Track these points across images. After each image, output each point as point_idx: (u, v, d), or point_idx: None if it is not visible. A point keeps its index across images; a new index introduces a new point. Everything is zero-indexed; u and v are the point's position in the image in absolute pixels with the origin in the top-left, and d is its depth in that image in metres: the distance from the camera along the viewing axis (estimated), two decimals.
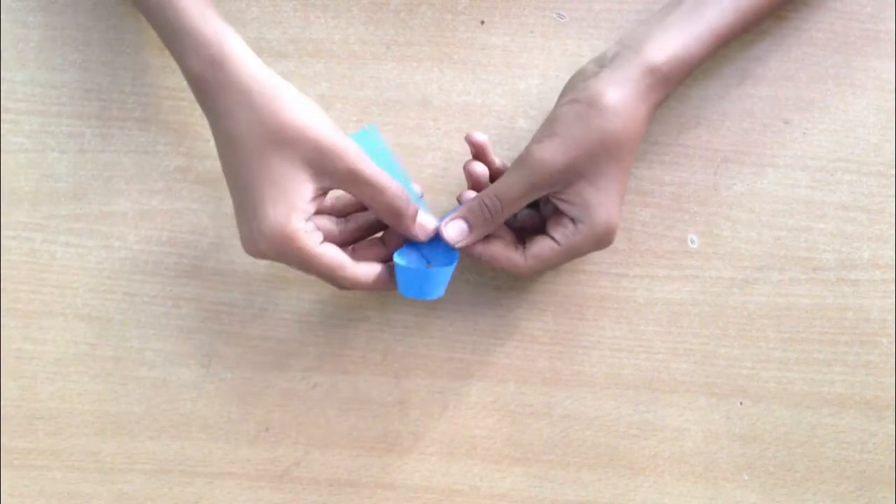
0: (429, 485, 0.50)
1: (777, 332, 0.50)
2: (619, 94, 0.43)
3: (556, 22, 0.51)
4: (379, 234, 0.47)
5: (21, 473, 0.50)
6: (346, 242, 0.46)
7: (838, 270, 0.50)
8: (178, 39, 0.43)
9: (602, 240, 0.44)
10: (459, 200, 0.47)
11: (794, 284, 0.50)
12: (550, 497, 0.50)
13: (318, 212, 0.45)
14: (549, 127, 0.44)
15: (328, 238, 0.45)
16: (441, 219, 0.46)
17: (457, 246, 0.45)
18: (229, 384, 0.50)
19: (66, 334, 0.50)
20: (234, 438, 0.50)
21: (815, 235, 0.50)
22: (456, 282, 0.50)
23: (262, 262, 0.50)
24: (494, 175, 0.47)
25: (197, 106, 0.45)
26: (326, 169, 0.42)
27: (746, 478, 0.50)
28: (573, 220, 0.44)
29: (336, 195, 0.47)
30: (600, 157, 0.43)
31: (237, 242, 0.50)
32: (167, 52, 0.46)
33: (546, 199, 0.47)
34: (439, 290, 0.45)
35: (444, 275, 0.45)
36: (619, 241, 0.50)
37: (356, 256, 0.45)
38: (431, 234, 0.45)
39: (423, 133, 0.51)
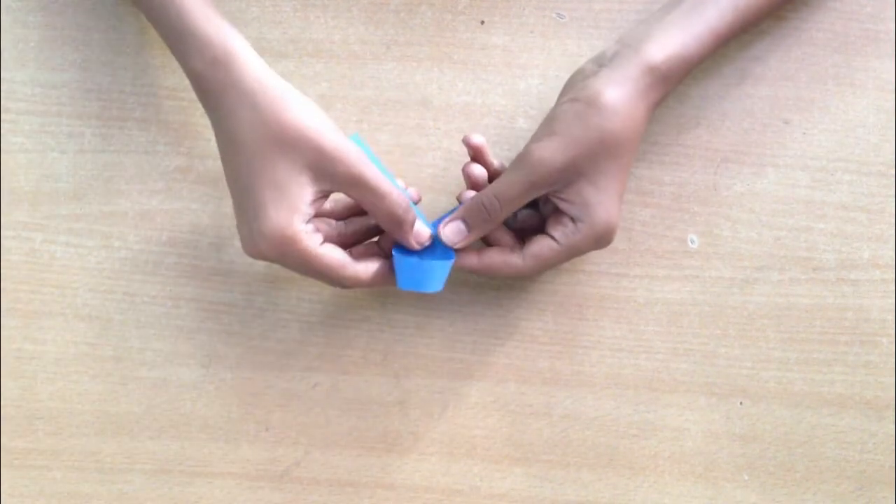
0: (429, 485, 0.50)
1: (777, 332, 0.50)
2: (618, 93, 0.43)
3: (556, 22, 0.51)
4: (375, 238, 0.47)
5: (21, 473, 0.50)
6: (344, 246, 0.46)
7: (838, 270, 0.50)
8: (181, 40, 0.43)
9: (602, 239, 0.44)
10: (459, 200, 0.47)
11: (794, 284, 0.50)
12: (550, 497, 0.50)
13: (317, 215, 0.45)
14: (548, 126, 0.44)
15: (327, 239, 0.45)
16: (438, 221, 0.46)
17: (455, 247, 0.45)
18: (229, 384, 0.50)
19: (66, 334, 0.50)
20: (234, 438, 0.50)
21: (815, 235, 0.50)
22: (456, 282, 0.50)
23: (262, 262, 0.50)
24: (493, 176, 0.47)
25: (197, 106, 0.45)
26: (327, 172, 0.42)
27: (746, 478, 0.50)
28: (573, 220, 0.44)
29: (335, 198, 0.47)
30: (600, 155, 0.43)
31: (237, 242, 0.50)
32: (167, 52, 0.46)
33: (545, 199, 0.46)
34: (438, 284, 0.45)
35: (442, 268, 0.45)
36: (619, 241, 0.50)
37: (353, 258, 0.45)
38: (426, 244, 0.45)
39: (423, 133, 0.51)
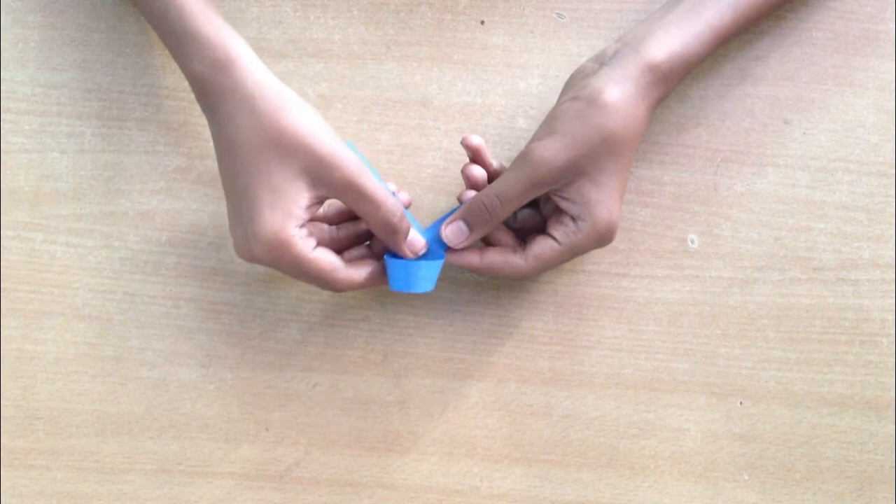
0: (429, 485, 0.50)
1: (777, 332, 0.50)
2: (619, 91, 0.43)
3: (556, 22, 0.51)
4: (367, 243, 0.48)
5: (21, 473, 0.50)
6: (337, 249, 0.46)
7: (838, 270, 0.50)
8: (181, 42, 0.43)
9: (603, 237, 0.45)
10: (460, 200, 0.47)
11: (794, 284, 0.50)
12: (550, 497, 0.50)
13: (312, 219, 0.45)
14: (549, 125, 0.44)
15: (321, 244, 0.45)
16: (436, 224, 0.46)
17: (457, 247, 0.45)
18: (229, 384, 0.50)
19: (66, 334, 0.50)
20: (234, 438, 0.50)
21: (815, 235, 0.50)
22: (456, 282, 0.50)
23: None
24: (492, 177, 0.47)
25: (197, 106, 0.45)
26: (323, 178, 0.42)
27: (746, 478, 0.50)
28: (574, 219, 0.44)
29: (328, 202, 0.47)
30: (601, 154, 0.43)
31: None
32: (167, 52, 0.46)
33: (546, 198, 0.47)
34: (428, 284, 0.45)
35: (432, 268, 0.45)
36: (619, 241, 0.50)
37: (345, 262, 0.45)
38: (421, 252, 0.46)
39: (423, 133, 0.51)
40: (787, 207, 0.50)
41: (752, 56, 0.51)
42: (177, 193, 0.51)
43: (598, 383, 0.50)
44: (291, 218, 0.42)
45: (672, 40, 0.44)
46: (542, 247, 0.45)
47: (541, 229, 0.46)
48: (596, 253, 0.50)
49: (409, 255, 0.45)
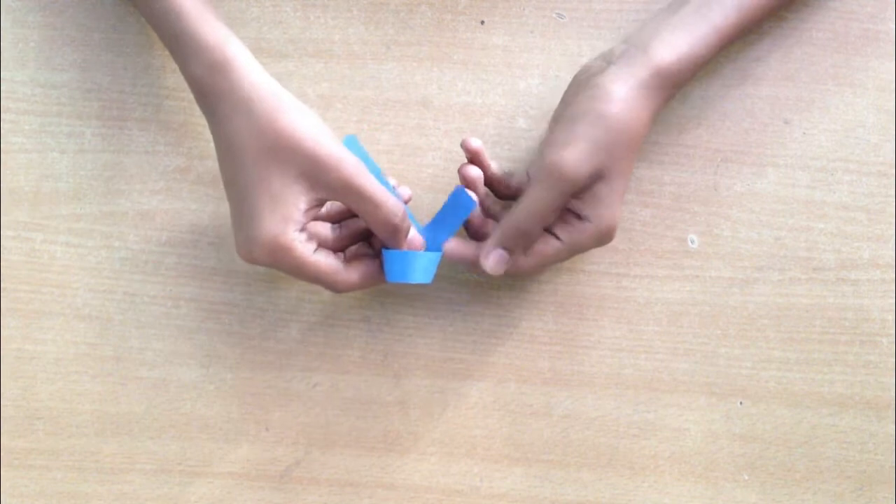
0: (429, 485, 0.50)
1: (777, 332, 0.50)
2: (626, 91, 0.43)
3: (556, 22, 0.51)
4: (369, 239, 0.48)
5: (21, 473, 0.50)
6: (339, 248, 0.46)
7: (838, 270, 0.50)
8: (179, 44, 0.43)
9: (605, 237, 0.45)
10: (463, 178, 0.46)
11: (794, 284, 0.50)
12: (550, 497, 0.50)
13: (314, 218, 0.45)
14: (567, 130, 0.43)
15: (322, 244, 0.45)
16: (431, 223, 0.46)
17: (500, 274, 0.45)
18: (229, 384, 0.50)
19: (66, 334, 0.50)
20: (234, 438, 0.50)
21: (815, 235, 0.50)
22: (456, 282, 0.50)
23: None
24: (489, 179, 0.47)
25: (197, 105, 0.45)
26: (322, 181, 0.42)
27: (746, 478, 0.50)
28: (579, 217, 0.44)
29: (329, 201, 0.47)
30: (616, 156, 0.43)
31: None
32: (168, 52, 0.46)
33: None
34: (426, 276, 0.45)
35: (430, 259, 0.45)
36: (619, 241, 0.50)
37: (346, 260, 0.46)
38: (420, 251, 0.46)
39: (423, 133, 0.51)
40: (787, 207, 0.50)
41: (752, 56, 0.51)
42: (177, 193, 0.51)
43: (598, 383, 0.50)
44: (290, 222, 0.42)
45: (679, 43, 0.44)
46: (544, 245, 0.45)
47: None
48: (596, 253, 0.50)
49: None
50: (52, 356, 0.50)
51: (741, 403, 0.50)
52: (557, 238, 0.45)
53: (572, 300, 0.50)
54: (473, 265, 0.46)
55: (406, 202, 0.47)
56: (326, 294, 0.50)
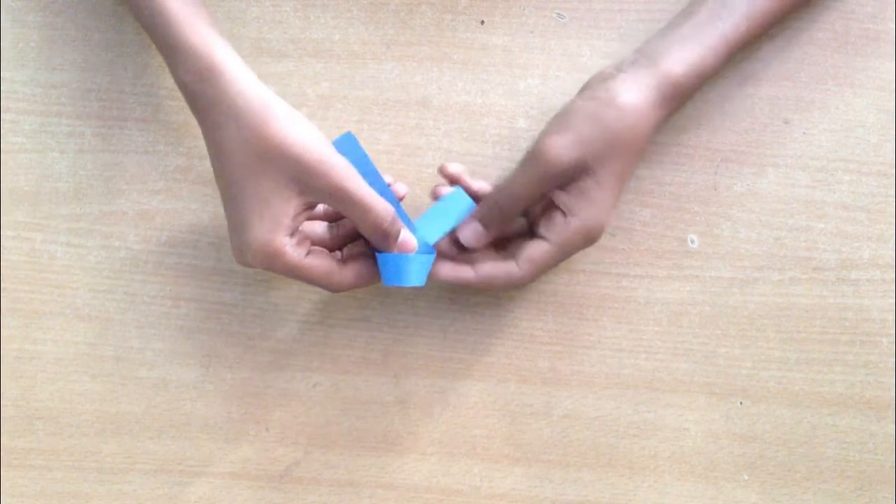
0: (429, 485, 0.50)
1: (777, 332, 0.50)
2: (634, 97, 0.44)
3: (557, 22, 0.51)
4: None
5: (21, 473, 0.50)
6: (336, 247, 0.46)
7: (838, 270, 0.50)
8: (169, 51, 0.43)
9: (591, 235, 0.45)
10: (434, 196, 0.47)
11: (794, 284, 0.50)
12: (550, 497, 0.50)
13: (309, 217, 0.45)
14: (560, 121, 0.44)
15: (318, 243, 0.45)
16: (421, 220, 0.46)
17: (476, 247, 0.46)
18: (229, 384, 0.50)
19: (66, 334, 0.50)
20: (234, 438, 0.50)
21: (815, 235, 0.50)
22: None
23: None
24: (474, 195, 0.47)
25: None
26: (311, 186, 0.42)
27: (746, 478, 0.50)
28: (564, 214, 0.44)
29: None
30: (609, 154, 0.43)
31: None
32: None
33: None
34: (420, 278, 0.45)
35: (423, 262, 0.45)
36: (619, 241, 0.50)
37: (343, 259, 0.46)
38: (412, 253, 0.45)
39: (423, 133, 0.51)
40: (787, 207, 0.50)
41: (752, 56, 0.51)
42: (177, 193, 0.51)
43: (598, 383, 0.50)
44: (280, 227, 0.42)
45: (688, 55, 0.45)
46: (533, 249, 0.45)
47: (527, 236, 0.47)
48: (596, 253, 0.50)
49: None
50: (52, 356, 0.50)
51: (741, 403, 0.50)
52: (545, 240, 0.45)
53: (572, 300, 0.50)
54: (472, 284, 0.46)
55: (401, 199, 0.47)
56: (326, 294, 0.50)
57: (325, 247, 0.46)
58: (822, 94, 0.51)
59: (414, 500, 0.50)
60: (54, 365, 0.50)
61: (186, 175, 0.51)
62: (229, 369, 0.50)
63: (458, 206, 0.46)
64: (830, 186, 0.50)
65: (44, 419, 0.50)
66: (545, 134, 0.44)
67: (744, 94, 0.51)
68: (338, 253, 0.47)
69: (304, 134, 0.42)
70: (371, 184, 0.43)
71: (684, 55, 0.45)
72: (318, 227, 0.46)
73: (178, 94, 0.51)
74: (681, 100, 0.45)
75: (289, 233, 0.42)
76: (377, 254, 0.45)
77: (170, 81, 0.51)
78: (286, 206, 0.42)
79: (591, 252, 0.49)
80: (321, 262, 0.44)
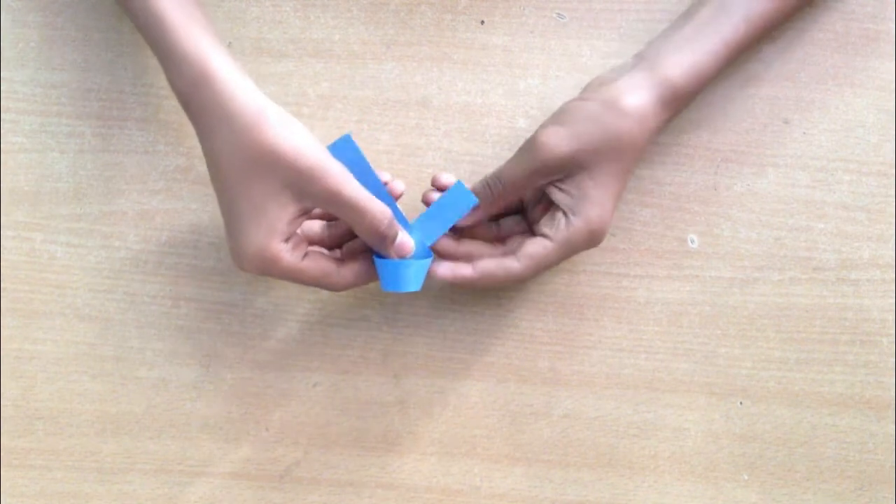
0: (429, 485, 0.50)
1: (777, 332, 0.50)
2: (635, 99, 0.44)
3: (557, 22, 0.51)
4: None
5: (21, 473, 0.50)
6: (335, 245, 0.46)
7: (838, 270, 0.50)
8: (164, 57, 0.43)
9: (593, 236, 0.45)
10: (425, 201, 0.47)
11: (794, 284, 0.50)
12: (550, 497, 0.50)
13: (308, 217, 0.45)
14: (558, 117, 0.45)
15: (316, 241, 0.45)
16: (417, 221, 0.46)
17: (465, 224, 0.46)
18: (229, 384, 0.50)
19: (66, 334, 0.50)
20: (234, 438, 0.50)
21: (815, 235, 0.50)
22: None
23: None
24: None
25: None
26: (306, 191, 0.42)
27: (746, 478, 0.50)
28: (565, 213, 0.44)
29: None
30: (605, 154, 0.43)
31: None
32: None
33: (533, 203, 0.47)
34: (417, 284, 0.45)
35: (420, 267, 0.45)
36: (619, 241, 0.50)
37: (342, 257, 0.46)
38: (409, 255, 0.45)
39: (423, 133, 0.51)
40: (787, 207, 0.50)
41: (752, 56, 0.51)
42: (177, 193, 0.51)
43: (598, 383, 0.50)
44: (275, 233, 0.42)
45: (689, 59, 0.45)
46: (533, 246, 0.45)
47: (526, 234, 0.47)
48: (596, 253, 0.50)
49: (398, 258, 0.45)
50: (52, 356, 0.50)
51: (741, 403, 0.50)
52: (547, 237, 0.45)
53: (572, 300, 0.50)
54: (472, 283, 0.46)
55: (397, 198, 0.46)
56: (326, 294, 0.50)
57: (322, 245, 0.46)
58: (822, 94, 0.51)
59: (414, 500, 0.50)
60: (54, 365, 0.50)
61: (186, 175, 0.51)
62: (229, 369, 0.50)
63: (457, 202, 0.46)
64: (830, 186, 0.50)
65: (44, 419, 0.50)
66: (543, 125, 0.45)
67: (744, 94, 0.51)
68: (336, 251, 0.47)
69: (298, 139, 0.42)
70: (368, 186, 0.43)
71: (684, 59, 0.45)
72: (316, 226, 0.46)
73: None
74: (681, 104, 0.46)
75: (284, 238, 0.42)
76: (375, 259, 0.45)
77: None
78: (281, 212, 0.42)
79: (592, 252, 0.49)
80: (319, 264, 0.44)
